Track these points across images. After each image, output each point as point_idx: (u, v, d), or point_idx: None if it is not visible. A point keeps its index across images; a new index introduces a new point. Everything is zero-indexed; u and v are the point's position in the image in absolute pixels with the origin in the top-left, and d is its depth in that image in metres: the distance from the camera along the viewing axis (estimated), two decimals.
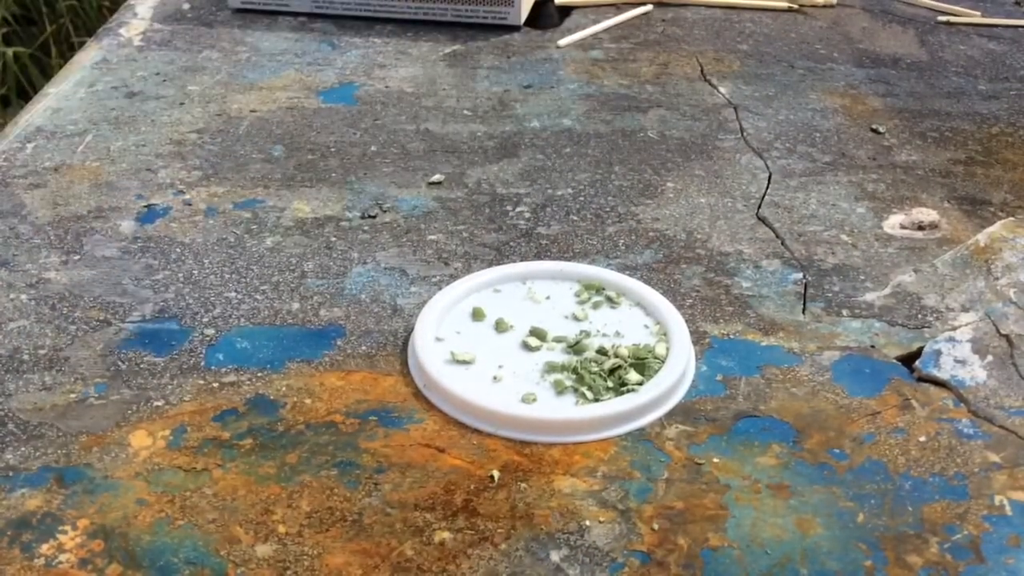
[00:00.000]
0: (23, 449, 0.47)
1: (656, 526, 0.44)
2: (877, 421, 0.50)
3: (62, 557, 0.42)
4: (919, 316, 0.57)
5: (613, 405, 0.49)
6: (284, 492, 0.46)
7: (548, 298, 0.57)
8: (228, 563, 0.42)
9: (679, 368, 0.51)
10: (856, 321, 0.57)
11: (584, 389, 0.50)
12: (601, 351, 0.53)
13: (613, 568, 0.42)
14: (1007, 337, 0.55)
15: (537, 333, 0.54)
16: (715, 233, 0.64)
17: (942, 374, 0.53)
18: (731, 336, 0.56)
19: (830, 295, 0.59)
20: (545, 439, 0.48)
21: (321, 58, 0.85)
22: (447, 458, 0.47)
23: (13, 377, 0.52)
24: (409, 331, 0.55)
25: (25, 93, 1.49)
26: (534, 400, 0.50)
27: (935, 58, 0.89)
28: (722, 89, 0.82)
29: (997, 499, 0.46)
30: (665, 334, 0.54)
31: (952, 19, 0.97)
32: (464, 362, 0.52)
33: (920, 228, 0.65)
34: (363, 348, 0.54)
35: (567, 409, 0.49)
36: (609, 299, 0.56)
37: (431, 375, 0.51)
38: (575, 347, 0.53)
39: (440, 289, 0.57)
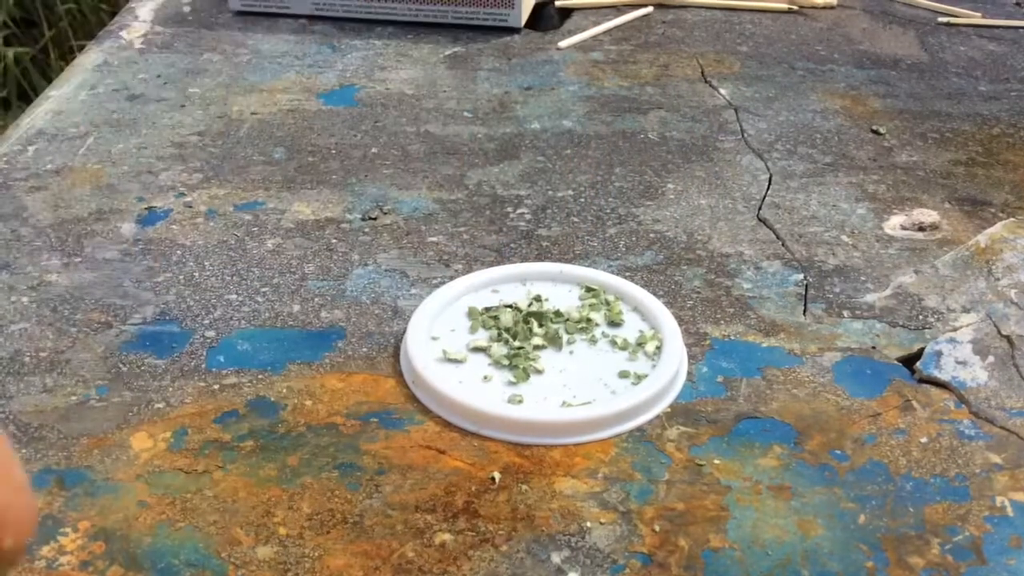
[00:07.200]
0: (24, 451, 0.47)
1: (657, 527, 0.44)
2: (878, 422, 0.50)
3: (63, 559, 0.42)
4: (920, 317, 0.57)
5: (599, 408, 0.49)
6: (285, 494, 0.46)
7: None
8: (229, 565, 0.42)
9: (670, 371, 0.51)
10: (857, 322, 0.57)
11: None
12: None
13: (614, 569, 0.42)
14: (1008, 338, 0.55)
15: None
16: (716, 234, 0.64)
17: (943, 375, 0.53)
18: (732, 337, 0.56)
19: (831, 296, 0.59)
20: (531, 440, 0.48)
21: (322, 60, 0.85)
22: (448, 460, 0.48)
23: (14, 379, 0.52)
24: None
25: (26, 96, 1.49)
26: (520, 401, 0.50)
27: (935, 59, 0.89)
28: (722, 90, 0.82)
29: (998, 500, 0.46)
30: (659, 337, 0.54)
31: (952, 20, 0.97)
32: (455, 360, 0.52)
33: (921, 229, 0.65)
34: (364, 350, 0.54)
35: (552, 411, 0.49)
36: (607, 303, 0.57)
37: (419, 372, 0.51)
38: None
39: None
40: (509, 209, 0.66)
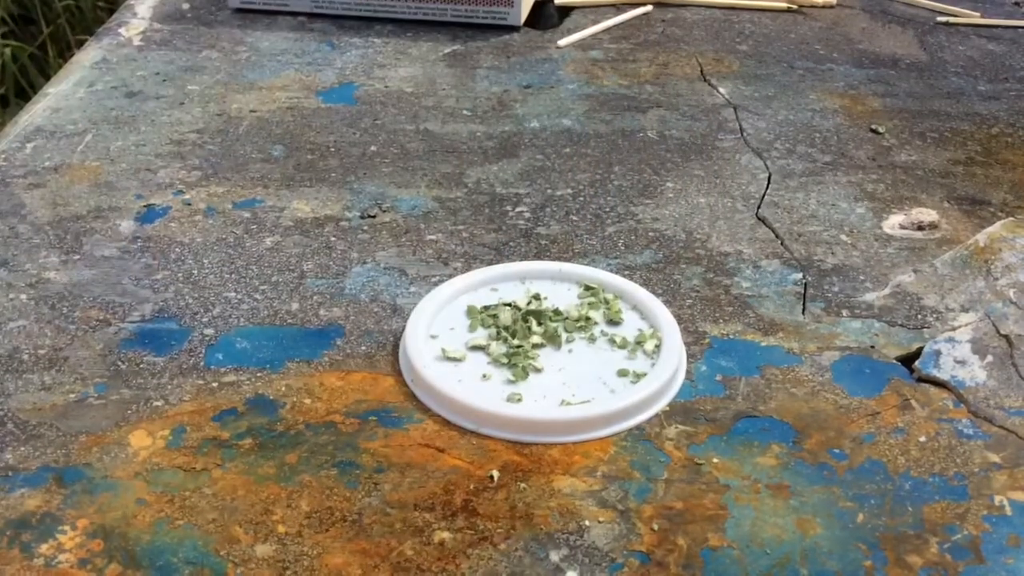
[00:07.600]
0: (22, 449, 0.47)
1: (656, 526, 0.44)
2: (877, 421, 0.50)
3: (61, 557, 0.42)
4: (919, 316, 0.57)
5: (598, 406, 0.49)
6: (284, 492, 0.46)
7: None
8: (228, 563, 0.42)
9: (668, 370, 0.51)
10: (856, 321, 0.57)
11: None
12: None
13: (613, 568, 0.42)
14: (1007, 337, 0.55)
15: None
16: (715, 233, 0.64)
17: (942, 374, 0.53)
18: (731, 336, 0.56)
19: (830, 295, 0.59)
20: (530, 438, 0.48)
21: (321, 58, 0.85)
22: (447, 458, 0.48)
23: (12, 377, 0.52)
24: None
25: (24, 93, 1.49)
26: (519, 400, 0.50)
27: (935, 59, 0.89)
28: (722, 89, 0.82)
29: (997, 499, 0.46)
30: (658, 335, 0.54)
31: (951, 20, 0.97)
32: (454, 359, 0.52)
33: (920, 228, 0.65)
34: (363, 348, 0.54)
35: (550, 409, 0.49)
36: (606, 301, 0.57)
37: (418, 371, 0.51)
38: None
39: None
40: (508, 207, 0.66)
